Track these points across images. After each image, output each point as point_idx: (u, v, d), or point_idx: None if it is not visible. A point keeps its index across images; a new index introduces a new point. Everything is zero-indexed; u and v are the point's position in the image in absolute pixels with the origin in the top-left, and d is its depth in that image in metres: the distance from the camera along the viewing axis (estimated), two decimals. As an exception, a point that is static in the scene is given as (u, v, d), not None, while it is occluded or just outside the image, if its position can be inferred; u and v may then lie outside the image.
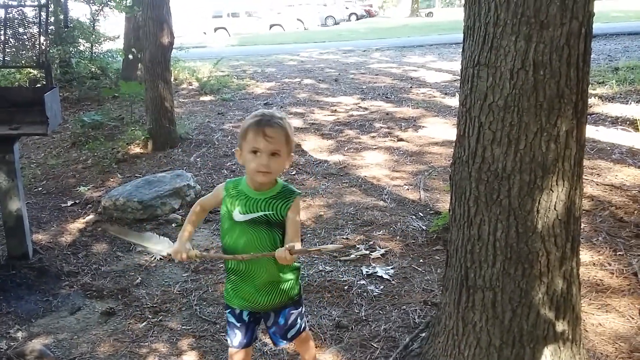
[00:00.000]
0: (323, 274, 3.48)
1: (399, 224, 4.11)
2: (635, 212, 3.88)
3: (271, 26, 30.36)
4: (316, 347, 2.76)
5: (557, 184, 1.96)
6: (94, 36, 10.42)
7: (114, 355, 2.82)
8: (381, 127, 6.75)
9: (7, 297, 3.38)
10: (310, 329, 2.90)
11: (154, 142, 6.33)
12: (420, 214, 4.28)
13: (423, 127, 6.66)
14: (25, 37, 9.24)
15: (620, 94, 7.18)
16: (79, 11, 11.17)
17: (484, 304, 2.11)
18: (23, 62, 8.91)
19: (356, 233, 4.01)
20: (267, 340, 2.71)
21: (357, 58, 13.31)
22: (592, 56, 2.02)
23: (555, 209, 1.98)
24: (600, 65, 9.34)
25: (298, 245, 1.97)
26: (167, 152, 6.18)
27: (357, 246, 3.78)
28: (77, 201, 5.06)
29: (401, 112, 7.46)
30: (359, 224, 4.16)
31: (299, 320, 2.24)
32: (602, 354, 2.55)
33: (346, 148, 6.05)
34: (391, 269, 3.49)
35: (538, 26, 1.84)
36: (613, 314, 2.84)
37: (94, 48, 10.59)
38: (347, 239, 3.93)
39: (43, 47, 4.45)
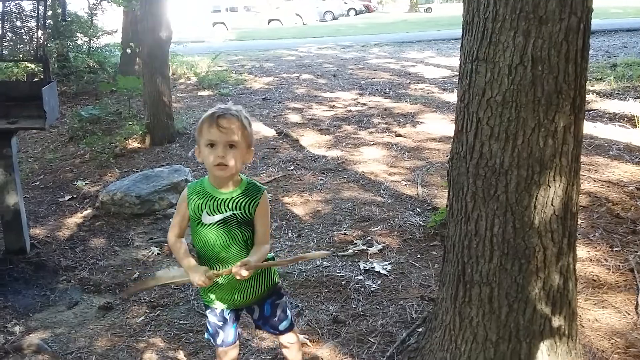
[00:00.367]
0: (320, 269, 3.48)
1: (396, 219, 4.11)
2: (632, 208, 3.89)
3: (269, 21, 30.30)
4: (313, 342, 2.77)
5: (554, 180, 1.96)
6: (91, 30, 10.39)
7: (111, 350, 2.82)
8: (379, 123, 6.75)
9: (5, 291, 3.37)
10: (307, 324, 2.91)
11: (151, 137, 6.32)
12: (417, 209, 4.28)
13: (421, 122, 6.66)
14: (22, 30, 9.20)
15: (618, 91, 7.19)
16: (76, 5, 11.10)
17: (480, 299, 2.12)
18: (20, 56, 8.86)
19: (354, 228, 4.02)
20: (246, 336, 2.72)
21: (355, 53, 13.29)
22: (590, 52, 2.02)
23: (552, 204, 1.98)
24: (599, 61, 9.34)
25: (255, 258, 1.98)
26: (165, 147, 6.18)
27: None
28: (74, 196, 5.06)
29: (399, 107, 7.45)
30: (357, 219, 4.17)
31: (288, 312, 2.26)
32: (598, 349, 2.56)
33: (344, 143, 6.05)
34: (388, 264, 3.50)
35: (537, 22, 1.84)
36: (609, 309, 2.85)
37: (91, 42, 10.56)
38: (345, 234, 3.93)
39: (41, 41, 4.43)
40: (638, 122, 5.59)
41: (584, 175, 4.32)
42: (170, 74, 6.95)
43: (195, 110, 7.82)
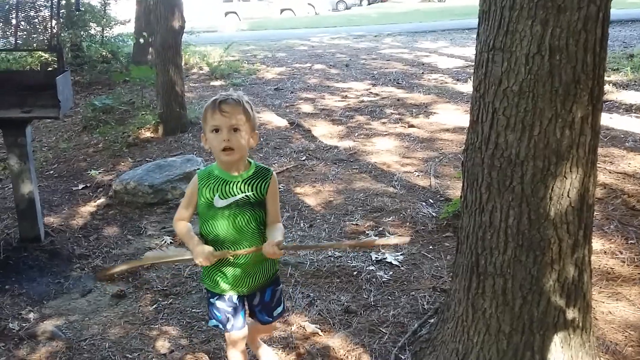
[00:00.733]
0: (332, 259, 3.48)
1: (409, 210, 4.10)
2: (649, 200, 3.85)
3: (282, 11, 30.18)
4: (325, 332, 2.78)
5: (570, 171, 1.94)
6: (105, 20, 10.42)
7: (124, 337, 2.85)
8: (392, 113, 6.71)
9: (19, 279, 3.41)
10: (319, 314, 2.92)
11: (164, 127, 6.34)
12: (430, 200, 4.26)
13: (434, 113, 6.62)
14: (36, 20, 9.27)
15: (635, 81, 7.09)
16: (90, -5, 11.14)
17: (494, 290, 2.10)
18: (35, 45, 8.94)
19: (366, 219, 4.01)
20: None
21: (368, 43, 13.22)
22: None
23: (568, 196, 1.96)
24: (615, 51, 9.21)
25: (280, 238, 2.02)
26: (178, 137, 6.19)
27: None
28: (88, 185, 5.09)
29: (412, 98, 7.41)
30: (369, 210, 4.16)
31: (282, 299, 2.32)
32: (611, 342, 2.54)
33: (356, 134, 6.03)
34: (400, 255, 3.49)
35: (555, 10, 1.81)
36: (623, 302, 2.83)
37: (105, 32, 10.60)
38: (357, 224, 3.93)
39: (54, 31, 4.44)
40: (655, 114, 5.51)
41: (599, 167, 4.25)
42: (182, 64, 6.94)
43: (208, 100, 7.81)
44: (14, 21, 8.69)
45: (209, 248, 2.03)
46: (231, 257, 2.07)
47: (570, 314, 2.06)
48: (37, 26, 9.22)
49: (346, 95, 7.76)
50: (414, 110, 6.81)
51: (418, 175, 4.78)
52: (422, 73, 9.04)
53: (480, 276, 2.14)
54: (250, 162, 2.12)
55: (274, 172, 2.14)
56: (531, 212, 1.98)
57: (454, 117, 6.37)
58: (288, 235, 3.83)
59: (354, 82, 8.61)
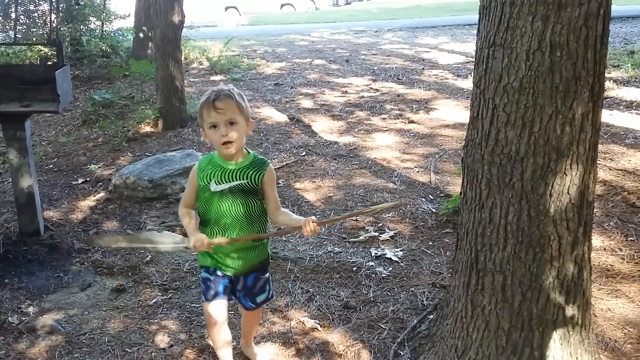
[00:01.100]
0: (332, 255, 3.48)
1: (408, 206, 4.10)
2: (648, 197, 3.84)
3: (282, 5, 30.07)
4: (324, 327, 2.78)
5: (571, 168, 1.93)
6: (104, 14, 10.38)
7: (123, 331, 2.85)
8: (392, 109, 6.70)
9: (19, 272, 3.41)
10: (318, 309, 2.92)
11: (164, 121, 6.33)
12: (430, 196, 4.26)
13: (434, 109, 6.61)
14: (36, 14, 9.24)
15: (636, 78, 7.08)
16: (89, -11, 11.09)
17: (493, 287, 2.10)
18: (34, 39, 8.92)
19: (365, 215, 4.00)
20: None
21: (368, 39, 13.19)
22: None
23: (568, 192, 1.96)
24: (616, 48, 9.19)
25: (297, 217, 2.21)
26: (177, 131, 6.18)
27: (367, 228, 3.78)
28: (87, 179, 5.09)
29: (413, 93, 7.40)
30: (369, 205, 4.15)
31: (267, 287, 2.38)
32: (610, 339, 2.54)
33: (356, 130, 6.02)
34: (400, 251, 3.49)
35: (556, 6, 1.81)
36: (623, 299, 2.83)
37: (104, 26, 10.57)
38: (357, 220, 3.93)
39: (54, 25, 4.43)
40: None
41: (599, 164, 4.26)
42: (182, 59, 6.93)
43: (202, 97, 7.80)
44: (13, 15, 8.68)
45: (203, 236, 2.16)
46: (226, 244, 2.17)
47: (570, 310, 2.07)
48: (37, 20, 9.20)
49: (346, 91, 7.75)
50: (414, 106, 6.80)
51: (418, 171, 4.78)
52: (423, 69, 9.03)
53: (480, 273, 2.14)
54: (249, 152, 2.23)
55: (270, 163, 2.24)
56: (531, 209, 1.98)
57: (454, 113, 6.37)
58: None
59: (354, 78, 8.59)
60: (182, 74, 6.63)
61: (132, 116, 6.67)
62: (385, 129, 5.99)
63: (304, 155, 5.30)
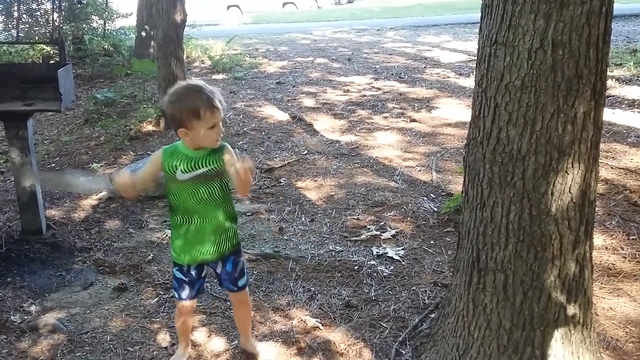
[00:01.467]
0: (333, 253, 3.48)
1: (410, 205, 4.10)
2: (651, 196, 3.84)
3: (284, 4, 30.04)
4: (325, 326, 2.78)
5: (572, 167, 1.93)
6: (106, 13, 10.38)
7: (125, 330, 2.85)
8: (394, 108, 6.70)
9: (21, 271, 3.42)
10: (320, 308, 2.92)
11: (166, 120, 6.32)
12: (432, 195, 4.26)
13: (436, 107, 6.60)
14: (38, 13, 9.25)
15: (638, 77, 7.06)
16: (91, -13, 11.10)
17: (495, 286, 2.10)
18: (36, 38, 8.93)
19: (367, 214, 4.01)
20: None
21: (370, 37, 13.17)
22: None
23: (570, 191, 1.95)
24: (618, 46, 9.17)
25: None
26: (179, 130, 6.17)
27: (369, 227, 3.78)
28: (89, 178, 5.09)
29: (414, 92, 7.39)
30: (370, 204, 4.16)
31: (245, 271, 2.46)
32: (612, 338, 2.54)
33: (358, 128, 6.01)
34: (401, 249, 3.49)
35: (558, 4, 1.80)
36: (624, 298, 2.83)
37: (106, 25, 10.56)
38: (358, 219, 3.93)
39: (56, 24, 4.44)
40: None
41: (601, 163, 4.26)
42: (184, 57, 6.93)
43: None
44: (16, 14, 8.69)
45: (126, 173, 2.26)
46: (151, 189, 2.21)
47: (571, 309, 2.06)
48: (39, 19, 9.21)
49: (348, 90, 7.74)
50: (416, 104, 6.79)
51: (420, 170, 4.77)
52: (425, 67, 9.02)
53: (481, 271, 2.14)
54: None
55: (227, 144, 2.29)
56: (532, 208, 1.98)
57: (456, 111, 6.36)
58: (289, 229, 3.84)
59: (356, 76, 8.58)
60: (184, 73, 6.63)
61: (134, 115, 6.67)
62: (387, 127, 5.99)
63: (305, 154, 5.29)
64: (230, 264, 2.38)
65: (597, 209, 3.59)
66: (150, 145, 5.82)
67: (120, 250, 3.71)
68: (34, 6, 9.08)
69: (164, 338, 2.78)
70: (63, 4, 8.62)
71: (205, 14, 21.56)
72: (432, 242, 3.59)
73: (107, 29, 10.53)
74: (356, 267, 3.31)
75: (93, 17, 10.13)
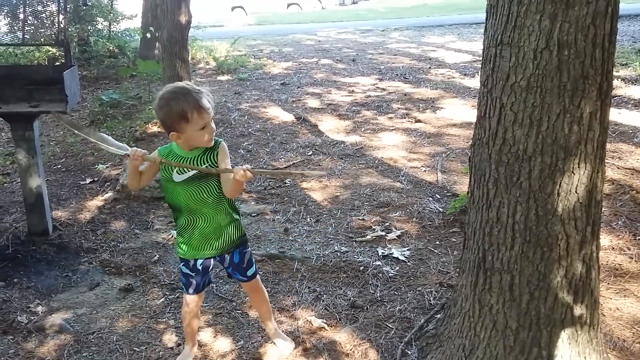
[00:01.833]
0: (339, 254, 3.48)
1: (415, 205, 4.09)
2: (657, 196, 3.82)
3: (288, 5, 30.06)
4: (331, 327, 2.78)
5: (579, 167, 1.93)
6: (112, 15, 10.42)
7: (132, 331, 2.86)
8: (399, 108, 6.69)
9: (28, 272, 3.44)
10: (325, 309, 2.92)
11: (171, 121, 6.34)
12: (437, 196, 4.26)
13: (441, 108, 6.59)
14: (44, 15, 9.28)
15: (644, 77, 7.04)
16: (97, -11, 11.14)
17: (501, 286, 2.10)
18: (42, 40, 8.95)
19: (372, 214, 4.00)
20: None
21: (375, 38, 13.17)
22: (617, 36, 1.97)
23: (576, 192, 1.95)
24: (624, 46, 9.14)
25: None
26: (184, 131, 6.19)
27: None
28: (95, 179, 5.11)
29: (419, 93, 7.38)
30: (375, 205, 4.16)
31: (252, 261, 2.49)
32: (619, 338, 2.53)
33: (363, 129, 6.01)
34: (407, 250, 3.48)
35: (564, 5, 1.80)
36: (631, 298, 2.81)
37: (112, 27, 10.60)
38: (363, 219, 3.93)
39: (62, 26, 4.45)
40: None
41: (607, 163, 4.24)
42: (189, 59, 6.94)
43: (215, 94, 7.83)
44: (21, 16, 8.72)
45: (139, 149, 2.21)
46: (174, 166, 2.20)
47: (578, 310, 2.06)
48: (45, 21, 9.24)
49: (353, 90, 7.74)
50: (421, 105, 6.78)
51: (425, 171, 4.77)
52: (430, 68, 9.01)
53: (487, 272, 2.13)
54: None
55: (222, 141, 2.29)
56: (539, 208, 1.97)
57: (461, 112, 6.35)
58: (294, 230, 3.84)
59: (360, 77, 8.58)
60: (189, 74, 6.64)
61: (139, 116, 6.69)
62: (391, 128, 5.99)
63: (310, 155, 5.30)
64: (237, 255, 2.41)
65: (603, 209, 3.58)
66: (155, 147, 5.80)
67: (126, 251, 3.72)
68: (39, 8, 9.10)
69: (170, 338, 2.78)
70: (68, 6, 8.65)
71: (209, 15, 21.59)
72: (437, 242, 3.58)
73: (113, 31, 10.57)
74: (362, 268, 3.31)
75: (98, 18, 10.17)
